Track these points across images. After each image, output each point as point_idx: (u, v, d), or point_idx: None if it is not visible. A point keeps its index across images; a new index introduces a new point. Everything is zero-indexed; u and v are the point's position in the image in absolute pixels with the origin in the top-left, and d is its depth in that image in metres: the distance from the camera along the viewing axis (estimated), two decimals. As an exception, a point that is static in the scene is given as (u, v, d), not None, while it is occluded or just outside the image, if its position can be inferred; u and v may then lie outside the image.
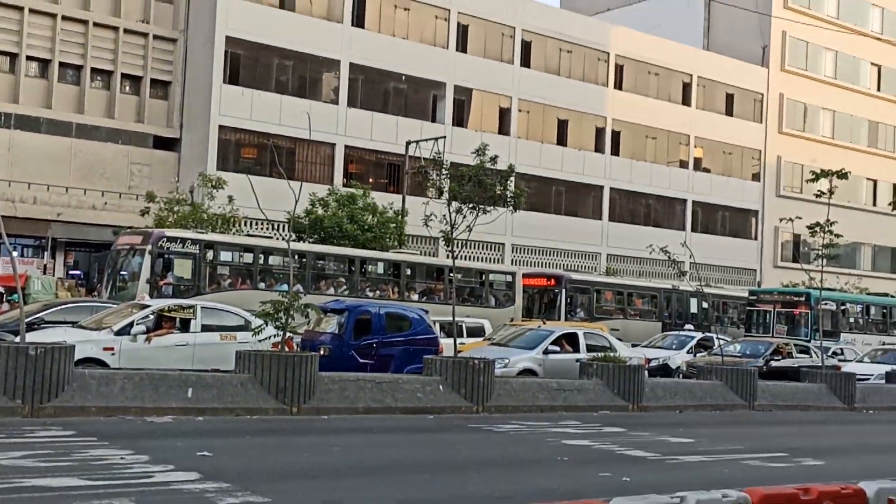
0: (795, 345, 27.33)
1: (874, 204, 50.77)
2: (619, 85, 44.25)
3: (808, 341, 29.40)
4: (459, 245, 18.49)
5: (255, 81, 35.19)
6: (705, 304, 34.83)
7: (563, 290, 31.04)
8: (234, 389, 13.77)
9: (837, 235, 23.86)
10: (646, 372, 20.10)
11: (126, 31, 34.28)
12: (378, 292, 25.87)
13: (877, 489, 5.96)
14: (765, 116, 48.44)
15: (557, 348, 19.90)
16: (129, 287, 22.35)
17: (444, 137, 32.76)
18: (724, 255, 45.88)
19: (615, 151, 43.99)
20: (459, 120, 39.72)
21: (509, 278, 29.98)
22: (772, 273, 46.78)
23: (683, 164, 46.33)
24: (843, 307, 36.01)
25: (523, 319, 27.62)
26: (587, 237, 42.73)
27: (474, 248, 36.76)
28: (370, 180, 36.38)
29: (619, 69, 44.30)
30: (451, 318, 18.71)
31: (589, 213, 43.61)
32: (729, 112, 47.53)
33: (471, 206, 17.48)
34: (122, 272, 23.20)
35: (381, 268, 27.39)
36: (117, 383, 12.87)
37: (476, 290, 29.13)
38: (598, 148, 43.60)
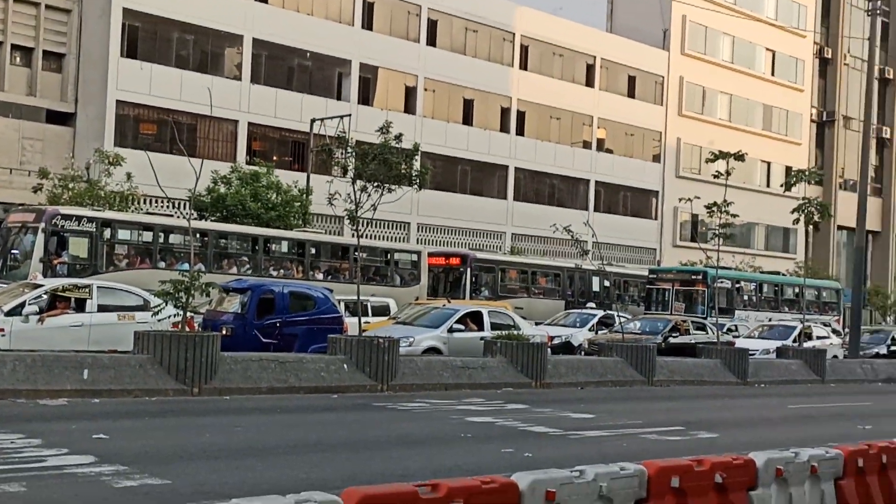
0: (693, 322, 28.09)
1: (768, 185, 52.34)
2: (524, 65, 44.55)
3: (705, 318, 30.24)
4: (364, 224, 18.41)
5: (154, 55, 34.22)
6: (607, 283, 35.44)
7: (468, 269, 31.21)
8: (132, 371, 13.46)
9: (733, 215, 24.58)
10: (549, 349, 20.42)
11: (16, 0, 32.93)
12: (282, 271, 25.58)
13: (765, 459, 6.17)
14: (665, 99, 49.43)
15: (462, 327, 20.02)
16: (22, 266, 21.58)
17: (350, 115, 32.49)
18: (625, 234, 46.77)
19: (520, 131, 44.30)
20: (365, 98, 39.42)
21: (415, 257, 29.99)
22: (671, 252, 47.89)
23: (587, 145, 46.97)
24: (737, 285, 37.12)
25: (428, 298, 27.68)
26: (492, 216, 43.02)
27: (380, 227, 36.63)
28: (274, 158, 35.84)
29: (525, 50, 44.58)
30: (355, 298, 18.63)
31: (494, 193, 43.88)
32: (631, 94, 48.34)
33: (375, 184, 17.40)
34: (13, 251, 22.38)
35: (284, 247, 27.07)
36: (7, 365, 12.44)
37: (381, 269, 29.05)
38: (504, 128, 43.84)
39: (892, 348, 31.22)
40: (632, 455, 9.09)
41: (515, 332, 19.56)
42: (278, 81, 37.13)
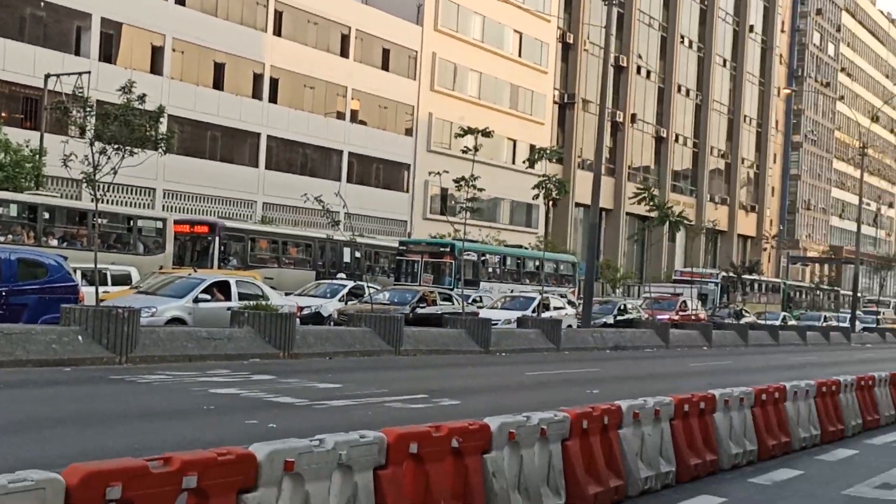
0: (440, 293, 28.90)
1: (513, 162, 54.48)
2: (278, 31, 43.73)
3: (452, 289, 31.17)
4: (104, 188, 17.43)
5: None
6: (358, 254, 35.72)
7: (217, 238, 30.37)
8: None
9: (480, 190, 25.44)
10: (297, 320, 20.28)
11: None
12: (11, 237, 23.74)
13: (499, 424, 6.42)
14: (418, 73, 50.22)
15: (208, 296, 19.47)
16: None
17: (89, 73, 30.57)
18: (377, 206, 47.24)
19: (273, 99, 43.51)
20: (107, 55, 37.20)
21: (159, 224, 28.75)
22: (421, 224, 48.95)
23: (340, 116, 46.89)
24: (483, 258, 38.54)
25: (174, 267, 26.72)
26: (243, 185, 42.07)
27: (122, 192, 34.83)
28: (3, 114, 33.12)
29: (279, 15, 43.76)
30: (93, 266, 17.63)
31: (245, 161, 42.91)
32: (385, 67, 48.71)
33: (116, 147, 16.51)
34: None
35: (14, 210, 25.08)
36: None
37: (123, 236, 27.64)
38: (256, 94, 42.88)
39: (619, 318, 33.55)
40: (376, 423, 9.17)
41: (264, 303, 19.26)
42: (8, 31, 34.32)
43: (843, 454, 11.01)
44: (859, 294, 62.72)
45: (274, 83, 43.55)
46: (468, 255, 34.75)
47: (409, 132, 50.24)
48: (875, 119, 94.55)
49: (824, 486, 9.12)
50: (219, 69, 41.55)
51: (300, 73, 44.29)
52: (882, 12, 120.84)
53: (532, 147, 47.12)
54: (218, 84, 41.41)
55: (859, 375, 13.56)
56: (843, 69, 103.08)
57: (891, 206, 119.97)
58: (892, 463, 10.49)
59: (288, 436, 5.73)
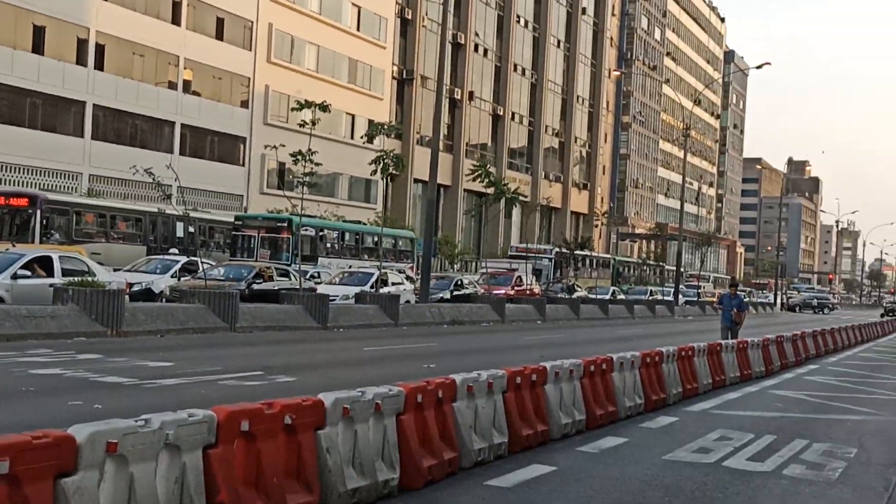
0: (277, 268, 28.48)
1: (352, 137, 54.13)
2: (104, -5, 41.73)
3: (289, 265, 30.77)
4: None
5: None
6: (192, 229, 34.69)
7: (38, 211, 28.78)
8: None
9: (317, 164, 25.17)
10: (127, 297, 19.55)
11: None
12: None
13: (333, 399, 6.37)
14: (254, 44, 49.04)
15: (29, 273, 18.50)
16: None
17: None
18: (212, 179, 46.01)
19: (99, 66, 41.50)
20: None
21: (-27, 197, 27.04)
22: (258, 199, 48.00)
23: (172, 86, 45.27)
24: (321, 233, 38.23)
25: (-9, 242, 25.20)
26: (67, 155, 40.03)
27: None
28: None
29: (106, -22, 41.75)
30: None
31: (70, 130, 40.79)
32: (220, 36, 47.28)
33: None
34: None
35: None
36: None
37: (-67, 209, 25.87)
38: (81, 61, 40.78)
39: (455, 293, 34.03)
40: (208, 402, 8.93)
41: (90, 279, 18.45)
42: None
43: (665, 421, 11.55)
44: (682, 269, 65.94)
45: (100, 49, 41.52)
46: (306, 230, 34.38)
47: (245, 104, 49.04)
48: (697, 102, 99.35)
49: (647, 451, 9.53)
50: (38, 32, 39.25)
51: (129, 39, 42.41)
52: (704, 0, 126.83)
53: (371, 122, 46.92)
54: (38, 48, 39.15)
55: (680, 346, 14.25)
56: (668, 53, 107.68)
57: (711, 185, 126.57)
58: (708, 428, 11.09)
59: (115, 416, 5.49)
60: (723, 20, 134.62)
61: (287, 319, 23.01)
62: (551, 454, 8.97)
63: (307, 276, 29.48)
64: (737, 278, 69.34)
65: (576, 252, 56.92)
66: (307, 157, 24.51)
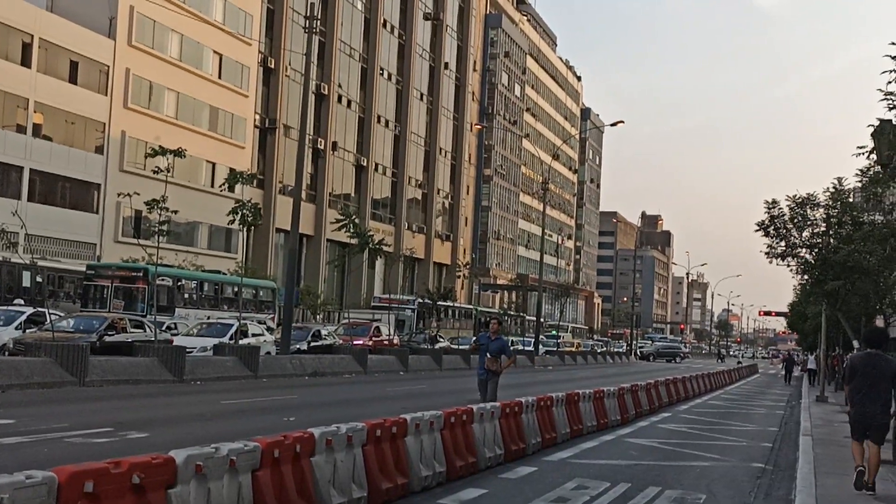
0: (131, 320, 27.46)
1: (212, 185, 52.99)
2: (-53, 34, 39.89)
3: (145, 316, 29.77)
4: None
5: None
6: (39, 278, 33.23)
7: None
8: None
9: (174, 212, 24.57)
10: (-35, 350, 18.45)
11: None
12: None
13: (185, 456, 6.14)
14: (110, 89, 47.71)
15: None
16: None
17: None
18: (63, 227, 44.23)
19: (-58, 108, 39.56)
20: None
21: None
22: (113, 248, 46.37)
23: (21, 129, 43.45)
24: (179, 283, 37.24)
25: None
26: None
27: None
28: None
29: (-51, 17, 39.93)
30: None
31: None
32: (73, 80, 45.80)
33: None
34: None
35: None
36: None
37: None
38: (-79, 101, 38.75)
39: (313, 344, 33.60)
40: (51, 461, 8.50)
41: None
42: None
43: (525, 471, 11.64)
44: (542, 319, 67.22)
45: (-59, 89, 39.57)
46: (162, 280, 33.43)
47: (99, 150, 47.49)
48: (556, 157, 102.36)
49: (506, 502, 9.57)
50: None
51: (-28, 80, 40.55)
52: (561, 59, 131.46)
53: (232, 171, 46.18)
54: None
55: (539, 396, 14.45)
56: (528, 109, 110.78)
57: (570, 237, 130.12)
58: (566, 477, 11.25)
59: (-57, 481, 5.12)
60: (579, 79, 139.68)
61: (141, 373, 22.18)
62: (411, 508, 8.89)
63: (163, 328, 28.57)
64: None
65: (438, 303, 57.29)
66: (161, 205, 23.88)
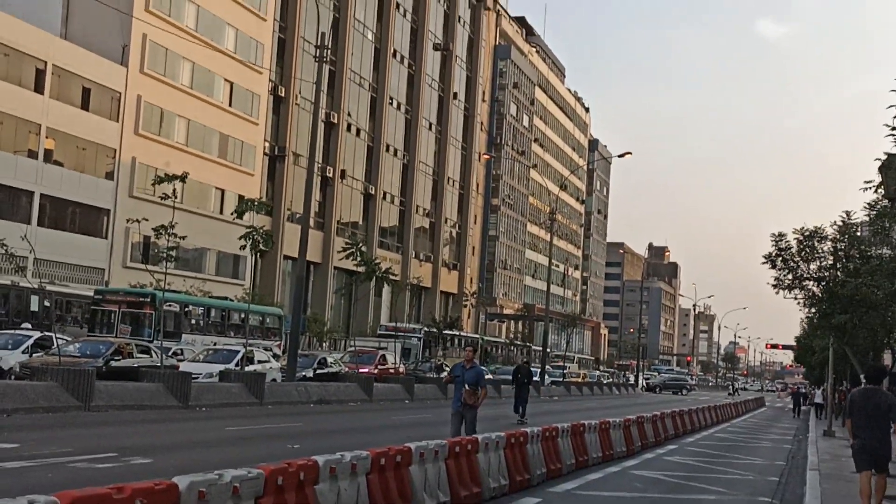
0: (137, 345, 27.50)
1: (221, 212, 53.27)
2: (-40, 60, 40.28)
3: (151, 341, 29.81)
4: None
5: None
6: (47, 303, 33.31)
7: None
8: None
9: (182, 238, 24.66)
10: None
11: None
12: None
13: (188, 482, 6.13)
14: (122, 116, 48.05)
15: None
16: None
17: None
18: (72, 252, 44.40)
19: (-46, 132, 39.84)
20: None
21: None
22: (121, 273, 46.50)
23: (33, 154, 43.75)
24: (186, 309, 37.28)
25: None
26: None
27: None
28: None
29: (-37, 44, 40.32)
30: None
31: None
32: (85, 106, 46.17)
33: None
34: None
35: None
36: None
37: None
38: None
39: (319, 371, 33.57)
40: (55, 486, 8.50)
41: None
42: None
43: (530, 502, 11.59)
44: (548, 350, 67.04)
45: (-47, 114, 39.86)
46: (169, 305, 33.48)
47: (109, 176, 47.77)
48: (563, 188, 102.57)
49: (511, 533, 9.52)
50: None
51: (-14, 106, 40.86)
52: (570, 90, 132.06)
53: (241, 197, 46.38)
54: None
55: (545, 426, 14.40)
56: (536, 139, 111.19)
57: (577, 268, 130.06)
58: (571, 508, 11.18)
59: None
60: (587, 110, 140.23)
61: (146, 398, 22.17)
62: (415, 537, 8.84)
63: (170, 354, 28.59)
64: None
65: (444, 331, 57.19)
66: (169, 231, 23.98)
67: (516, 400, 29.79)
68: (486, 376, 43.91)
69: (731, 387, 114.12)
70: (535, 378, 55.90)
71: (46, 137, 44.07)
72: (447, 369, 48.93)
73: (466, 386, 14.52)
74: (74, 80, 45.37)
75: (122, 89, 47.84)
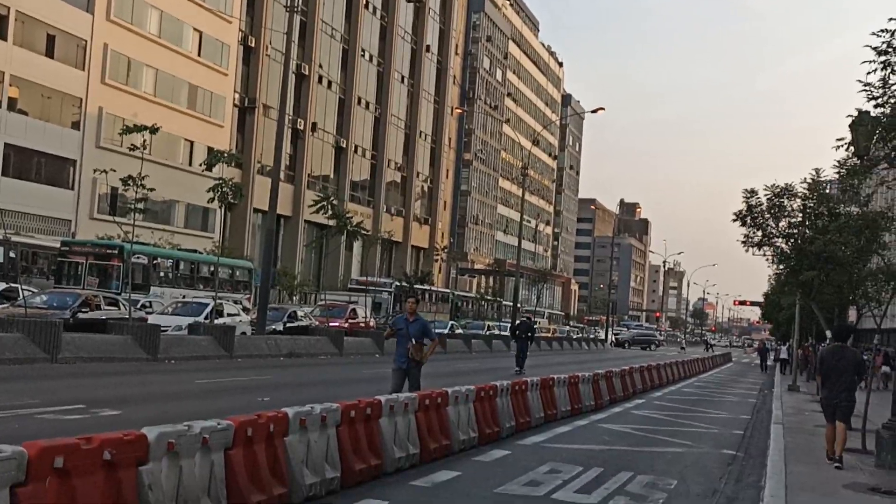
0: (105, 297, 27.26)
1: (190, 164, 52.53)
2: (-78, 4, 39.23)
3: (119, 294, 29.56)
4: None
5: None
6: (13, 254, 32.92)
7: None
8: None
9: (150, 189, 24.37)
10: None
11: None
12: None
13: (157, 434, 6.10)
14: (88, 64, 47.17)
15: None
16: None
17: None
18: (38, 203, 43.77)
19: (-84, 79, 38.94)
20: None
21: None
22: (88, 224, 45.97)
23: (-3, 103, 42.92)
24: (154, 261, 36.97)
25: None
26: None
27: None
28: None
29: (-75, -13, 39.26)
30: None
31: None
32: (50, 54, 45.24)
33: None
34: None
35: None
36: None
37: None
38: None
39: (289, 325, 33.50)
40: (22, 437, 8.41)
41: None
42: None
43: (498, 454, 11.68)
44: (519, 304, 67.37)
45: (-84, 61, 38.98)
46: (138, 258, 33.20)
47: (76, 126, 47.00)
48: (535, 143, 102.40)
49: (479, 485, 9.60)
50: None
51: (-52, 52, 39.98)
52: (543, 45, 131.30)
53: (210, 149, 45.83)
54: None
55: (514, 381, 14.49)
56: (509, 94, 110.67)
57: (548, 223, 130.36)
58: (539, 461, 11.29)
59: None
60: (560, 64, 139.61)
61: (115, 350, 22.04)
62: (384, 489, 8.90)
63: (138, 306, 28.39)
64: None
65: (415, 286, 57.24)
66: (138, 182, 23.68)
67: (518, 354, 30.94)
68: (441, 330, 43.79)
69: (705, 343, 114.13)
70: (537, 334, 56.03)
71: (10, 85, 43.18)
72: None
73: (413, 340, 13.25)
74: (39, 26, 44.38)
75: (87, 37, 46.89)
